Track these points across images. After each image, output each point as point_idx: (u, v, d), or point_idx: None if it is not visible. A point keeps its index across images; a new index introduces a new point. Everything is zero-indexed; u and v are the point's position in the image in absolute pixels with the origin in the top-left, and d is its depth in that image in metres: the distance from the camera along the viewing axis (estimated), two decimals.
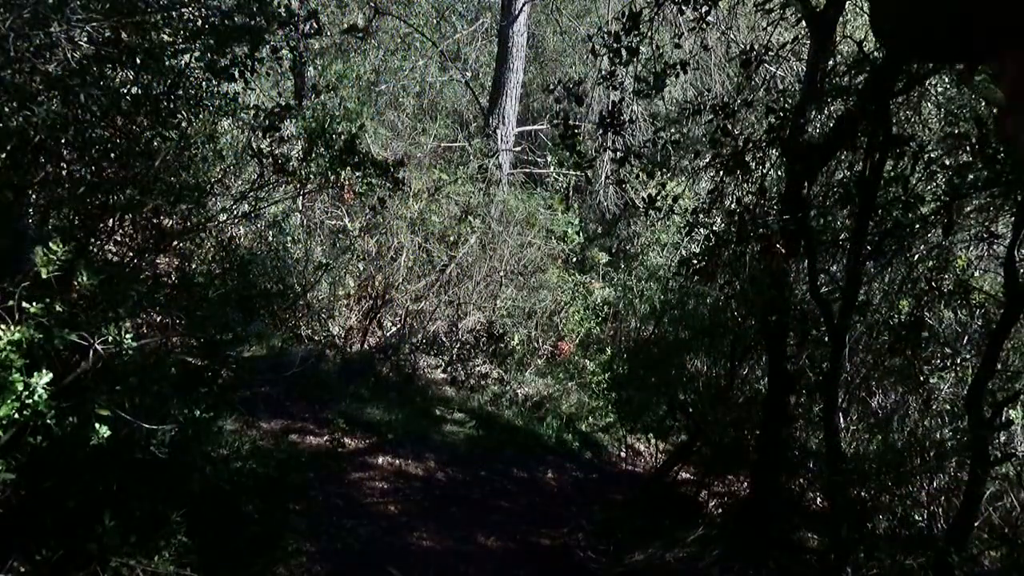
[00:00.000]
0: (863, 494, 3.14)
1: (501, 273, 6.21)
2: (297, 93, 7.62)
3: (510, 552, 3.18)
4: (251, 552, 2.44)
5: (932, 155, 2.97)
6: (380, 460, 3.93)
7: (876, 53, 2.92)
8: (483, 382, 5.63)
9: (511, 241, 6.63)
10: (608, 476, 4.40)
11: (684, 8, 3.13)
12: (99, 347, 1.79)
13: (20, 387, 1.60)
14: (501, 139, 7.73)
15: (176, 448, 2.08)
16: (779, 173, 3.47)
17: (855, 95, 2.76)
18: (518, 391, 5.54)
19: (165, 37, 2.44)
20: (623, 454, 4.77)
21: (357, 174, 2.90)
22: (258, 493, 2.50)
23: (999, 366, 2.88)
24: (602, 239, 9.33)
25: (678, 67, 3.15)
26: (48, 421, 1.69)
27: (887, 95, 2.61)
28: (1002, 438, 3.13)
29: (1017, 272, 2.55)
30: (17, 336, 1.58)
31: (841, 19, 3.22)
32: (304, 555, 2.75)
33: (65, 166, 2.51)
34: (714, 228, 3.32)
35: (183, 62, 2.54)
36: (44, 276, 1.69)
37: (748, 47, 3.33)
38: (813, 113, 3.09)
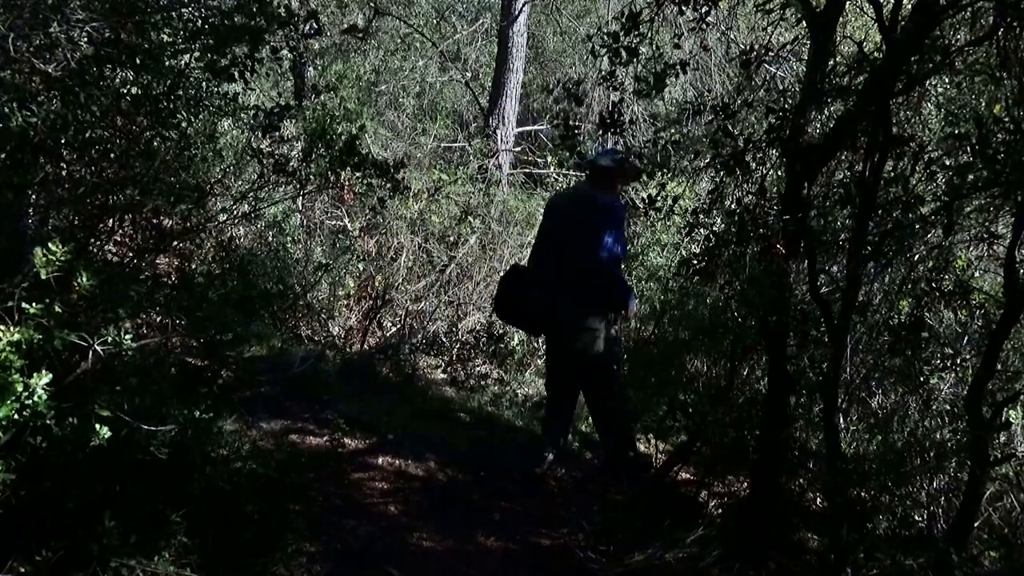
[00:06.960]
0: (863, 494, 3.14)
1: (501, 273, 6.20)
2: (297, 93, 7.62)
3: (510, 552, 3.18)
4: (251, 552, 2.45)
5: (932, 155, 2.96)
6: (380, 460, 3.93)
7: (876, 53, 2.92)
8: (483, 382, 5.62)
9: (511, 241, 6.62)
10: (608, 476, 4.40)
11: (684, 8, 3.13)
12: (99, 348, 1.79)
13: (20, 388, 1.60)
14: (501, 139, 7.72)
15: (176, 448, 2.08)
16: (779, 173, 3.47)
17: (855, 95, 2.76)
18: (518, 391, 5.54)
19: (165, 37, 2.44)
20: None
21: (357, 175, 2.91)
22: (258, 493, 2.51)
23: (999, 366, 2.88)
24: None
25: (678, 67, 3.16)
26: (48, 422, 1.70)
27: (887, 95, 2.61)
28: (1002, 438, 3.14)
29: (1017, 272, 2.55)
30: (16, 337, 1.58)
31: (841, 19, 3.22)
32: (304, 555, 2.75)
33: (65, 166, 2.52)
34: (714, 228, 3.32)
35: (183, 62, 2.54)
36: (44, 276, 1.70)
37: (748, 47, 3.34)
38: (813, 113, 3.09)
